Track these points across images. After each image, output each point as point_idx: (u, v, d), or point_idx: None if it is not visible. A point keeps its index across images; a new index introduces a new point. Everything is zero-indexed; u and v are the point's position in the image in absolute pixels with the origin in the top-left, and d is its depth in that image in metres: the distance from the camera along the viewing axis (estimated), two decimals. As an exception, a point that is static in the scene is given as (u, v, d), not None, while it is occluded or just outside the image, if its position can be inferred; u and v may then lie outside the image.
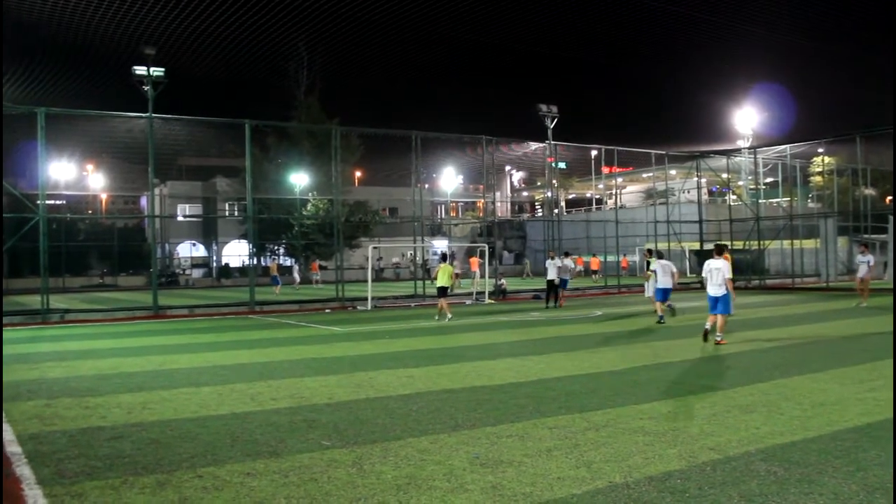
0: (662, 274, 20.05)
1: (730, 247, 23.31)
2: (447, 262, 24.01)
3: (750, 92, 56.89)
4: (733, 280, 15.36)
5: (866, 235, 44.45)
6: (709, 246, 35.81)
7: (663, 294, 20.05)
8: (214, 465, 6.52)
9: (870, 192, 49.79)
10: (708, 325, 14.85)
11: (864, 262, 23.90)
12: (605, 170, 59.14)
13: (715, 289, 14.63)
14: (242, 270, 57.60)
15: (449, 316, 21.98)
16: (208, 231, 68.79)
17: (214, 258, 68.08)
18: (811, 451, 6.67)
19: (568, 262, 26.83)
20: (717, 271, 14.61)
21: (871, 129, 36.81)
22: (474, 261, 36.32)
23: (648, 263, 23.33)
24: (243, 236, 57.67)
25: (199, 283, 57.56)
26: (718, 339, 14.57)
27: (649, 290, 22.30)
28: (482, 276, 32.95)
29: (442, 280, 22.70)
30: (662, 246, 40.08)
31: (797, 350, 13.84)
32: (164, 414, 8.79)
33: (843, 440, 7.02)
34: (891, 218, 38.57)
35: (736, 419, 7.99)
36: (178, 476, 6.23)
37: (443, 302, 22.48)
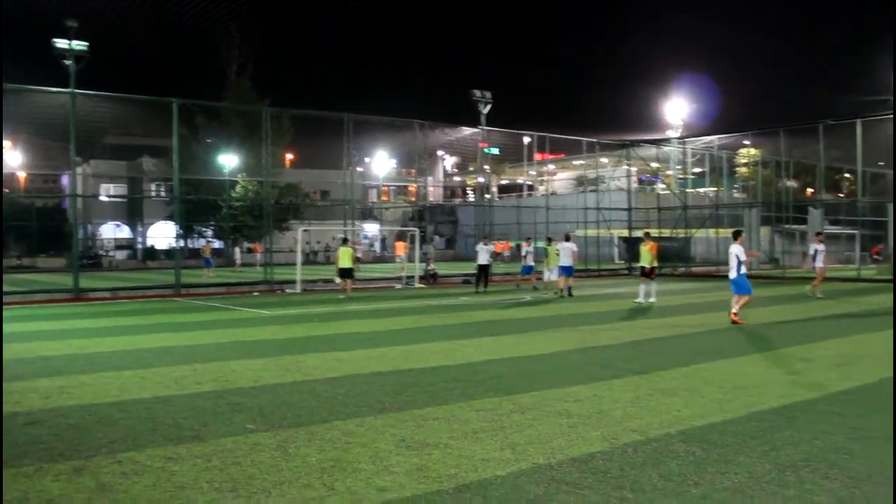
0: (565, 255, 23.33)
1: (651, 234, 24.03)
2: (347, 244, 25.40)
3: (680, 83, 58.02)
4: (656, 267, 16.27)
5: (787, 226, 45.93)
6: (637, 233, 36.50)
7: (567, 271, 23.40)
8: (134, 450, 6.38)
9: (792, 183, 51.38)
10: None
11: (822, 252, 23.41)
12: (538, 156, 59.60)
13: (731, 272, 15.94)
14: (169, 253, 56.40)
15: (349, 296, 23.35)
16: (133, 212, 67.09)
17: (139, 240, 66.46)
18: (729, 432, 6.87)
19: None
20: (732, 255, 15.87)
21: (795, 124, 37.93)
22: (400, 245, 36.27)
23: (546, 251, 25.96)
24: (170, 218, 56.38)
25: (123, 265, 56.18)
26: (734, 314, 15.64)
27: (552, 275, 24.87)
28: (411, 261, 32.96)
29: (343, 262, 23.91)
30: (592, 233, 40.72)
31: (720, 335, 14.22)
32: (83, 398, 8.57)
33: (759, 421, 7.26)
34: (890, 207, 39.44)
35: (658, 402, 8.18)
36: (96, 462, 6.08)
37: (347, 283, 23.82)
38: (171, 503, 5.12)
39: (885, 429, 6.92)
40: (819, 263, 23.02)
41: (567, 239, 24.54)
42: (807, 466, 5.81)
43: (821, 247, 23.43)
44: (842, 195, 55.59)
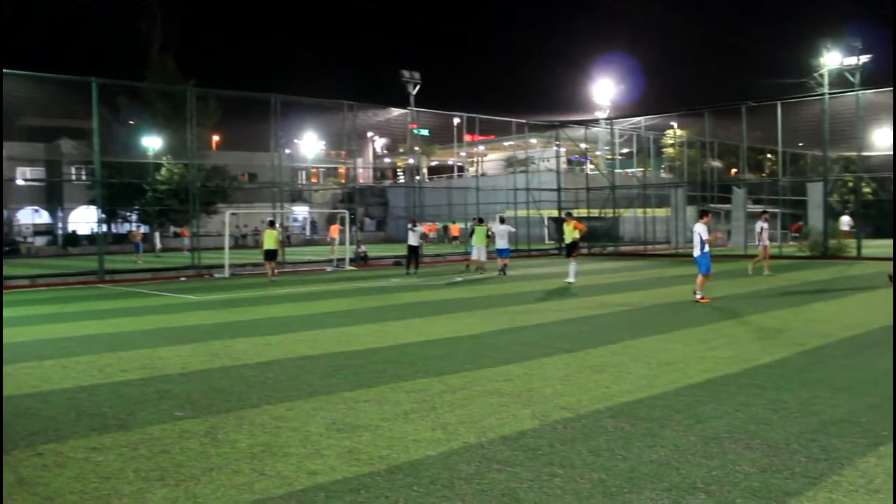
0: (501, 237, 24.68)
1: (575, 214, 24.42)
2: (273, 227, 25.51)
3: (607, 65, 58.76)
4: (578, 246, 16.76)
5: (712, 205, 47.05)
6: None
7: (503, 252, 24.86)
8: (56, 442, 6.21)
9: (717, 164, 52.58)
10: None
11: (766, 230, 23.42)
12: (468, 137, 59.70)
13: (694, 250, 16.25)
14: (91, 238, 54.81)
15: (272, 279, 23.92)
16: (53, 196, 64.86)
17: (60, 225, 64.38)
18: (656, 406, 7.03)
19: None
20: (696, 234, 16.19)
21: (719, 105, 38.83)
22: (334, 227, 36.02)
23: (473, 231, 26.85)
24: (92, 202, 54.80)
25: (42, 251, 54.32)
26: (698, 296, 15.86)
27: (480, 255, 25.67)
28: (342, 244, 32.75)
29: (268, 244, 24.43)
30: (522, 214, 41.07)
31: (647, 313, 14.52)
32: (1, 389, 8.28)
33: (685, 396, 7.44)
34: (809, 186, 40.27)
35: (587, 379, 8.32)
36: (16, 455, 5.88)
37: (270, 265, 24.38)
38: (95, 495, 4.99)
39: (801, 399, 7.19)
40: (764, 241, 23.16)
41: (502, 221, 25.62)
42: (730, 438, 5.99)
43: (766, 225, 23.54)
44: (764, 175, 57.17)
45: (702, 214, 16.75)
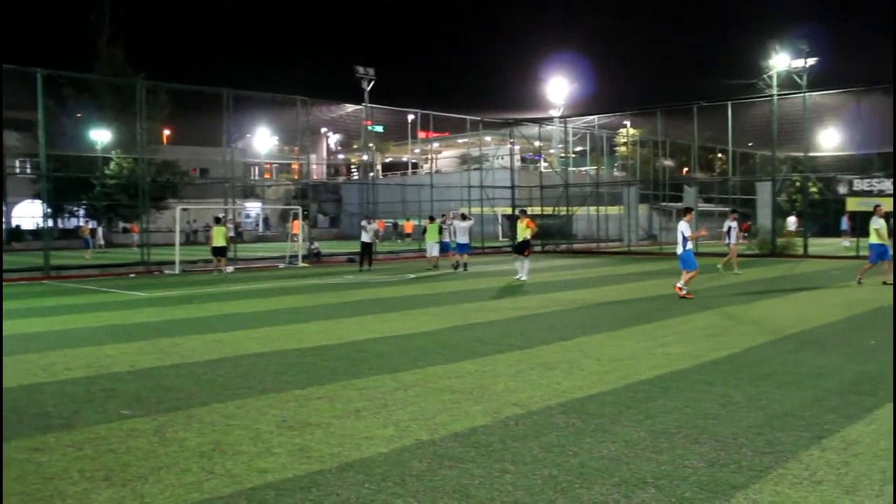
0: (462, 233, 25.32)
1: (529, 212, 24.59)
2: (221, 223, 26.00)
3: (562, 64, 59.15)
4: (531, 245, 17.05)
5: (664, 203, 47.71)
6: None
7: (463, 248, 25.53)
8: (-3, 441, 6.04)
9: (669, 162, 53.33)
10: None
11: (734, 229, 23.65)
12: (422, 134, 59.68)
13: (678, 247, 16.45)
14: (37, 233, 53.53)
15: (219, 275, 24.50)
16: (-5, 190, 63.20)
17: (3, 220, 62.74)
18: (607, 402, 7.10)
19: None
20: (679, 232, 16.38)
21: (671, 105, 39.35)
22: (296, 223, 35.59)
23: (425, 229, 27.93)
24: (37, 196, 53.51)
25: (-15, 247, 52.91)
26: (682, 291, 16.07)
27: (433, 251, 26.91)
28: (304, 240, 32.48)
29: (217, 241, 25.10)
30: (476, 211, 41.16)
31: (599, 310, 14.66)
32: (-60, 388, 8.04)
33: (635, 392, 7.52)
34: (758, 185, 40.78)
35: (539, 376, 8.36)
36: (-45, 454, 5.72)
37: (219, 261, 25.12)
38: (38, 496, 4.87)
39: (748, 394, 7.32)
40: (732, 240, 23.37)
41: (464, 218, 26.23)
42: (679, 433, 6.07)
43: (734, 224, 23.77)
44: (714, 174, 58.09)
45: (684, 212, 17.07)
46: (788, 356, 9.38)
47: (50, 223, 34.47)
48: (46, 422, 6.65)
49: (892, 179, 29.73)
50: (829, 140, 49.17)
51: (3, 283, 23.05)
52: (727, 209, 30.75)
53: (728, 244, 23.70)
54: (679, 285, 16.24)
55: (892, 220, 22.21)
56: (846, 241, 37.09)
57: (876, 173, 31.64)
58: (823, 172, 40.51)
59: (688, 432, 6.08)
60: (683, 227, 16.34)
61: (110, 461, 5.53)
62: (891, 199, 27.38)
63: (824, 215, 44.03)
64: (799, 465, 5.27)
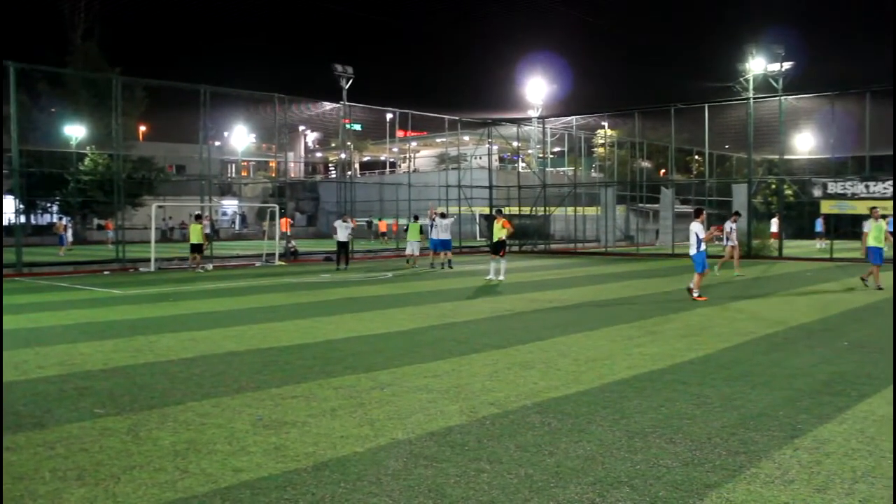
0: (443, 231, 25.80)
1: (506, 212, 24.73)
2: (199, 221, 26.75)
3: (540, 64, 59.23)
4: (506, 245, 17.18)
5: (641, 204, 47.94)
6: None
7: (445, 245, 25.96)
8: (-33, 440, 5.96)
9: (646, 164, 53.61)
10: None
11: (735, 230, 23.48)
12: (400, 133, 59.61)
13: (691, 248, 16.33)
14: (9, 230, 52.87)
15: (209, 267, 25.98)
16: (-34, 186, 62.42)
17: None
18: (582, 402, 7.12)
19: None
20: (692, 232, 16.23)
21: (648, 106, 39.56)
22: (284, 221, 35.30)
23: (407, 227, 28.53)
24: (9, 192, 52.84)
25: (-45, 243, 52.20)
26: (695, 294, 15.93)
27: (414, 249, 27.56)
28: (281, 238, 32.31)
29: (194, 237, 26.18)
30: (454, 210, 41.16)
31: (575, 310, 14.71)
32: None
33: (610, 392, 7.56)
34: (733, 187, 40.96)
35: (516, 375, 8.38)
36: (-77, 453, 5.63)
37: (195, 258, 26.14)
38: (8, 496, 4.81)
39: (723, 394, 7.38)
40: (732, 242, 23.13)
41: (443, 216, 26.57)
42: (654, 432, 6.10)
43: (735, 225, 23.58)
44: (691, 176, 58.46)
45: (697, 213, 16.84)
46: (763, 357, 9.46)
47: (22, 219, 34.03)
48: (17, 420, 6.56)
49: (864, 183, 30.08)
50: (805, 143, 49.63)
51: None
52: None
53: (725, 245, 23.62)
54: (691, 286, 16.22)
55: (890, 222, 22.13)
56: (820, 244, 37.50)
57: (850, 176, 31.98)
58: (798, 175, 40.88)
59: (662, 432, 6.12)
60: (697, 228, 16.18)
61: (83, 460, 5.47)
62: (885, 202, 27.63)
63: (799, 217, 44.49)
64: (772, 465, 5.32)
